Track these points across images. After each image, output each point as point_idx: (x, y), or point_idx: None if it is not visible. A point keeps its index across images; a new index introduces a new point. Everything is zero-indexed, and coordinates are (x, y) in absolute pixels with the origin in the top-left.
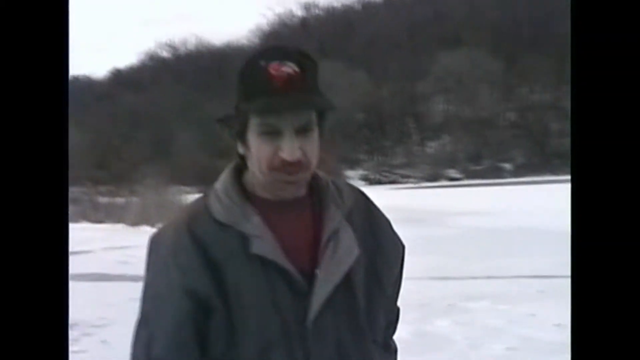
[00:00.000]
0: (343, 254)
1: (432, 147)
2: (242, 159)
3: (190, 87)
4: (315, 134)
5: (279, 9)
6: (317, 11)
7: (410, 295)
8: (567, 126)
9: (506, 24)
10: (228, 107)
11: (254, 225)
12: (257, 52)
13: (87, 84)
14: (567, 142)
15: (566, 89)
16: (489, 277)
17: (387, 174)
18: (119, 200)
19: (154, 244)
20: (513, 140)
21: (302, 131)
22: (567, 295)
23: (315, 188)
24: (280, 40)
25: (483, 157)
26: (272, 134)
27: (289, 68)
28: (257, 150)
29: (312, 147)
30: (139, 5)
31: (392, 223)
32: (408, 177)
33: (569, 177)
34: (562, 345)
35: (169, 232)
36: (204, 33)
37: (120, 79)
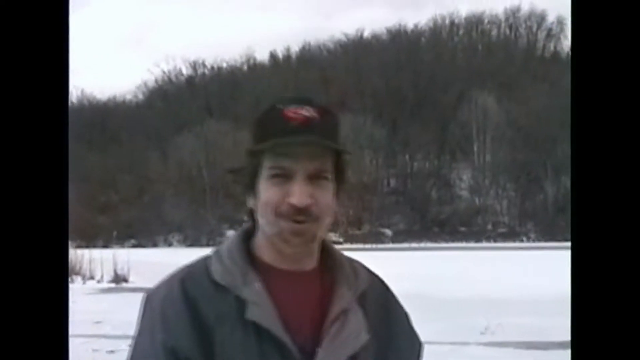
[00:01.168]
0: (349, 336)
1: None
2: (252, 219)
3: (73, 140)
4: (329, 184)
5: (166, 66)
6: (204, 70)
7: None
8: (447, 194)
9: (390, 91)
10: (109, 162)
11: (253, 291)
12: (277, 99)
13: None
14: (446, 210)
15: (447, 158)
16: None
17: None
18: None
19: (147, 300)
20: (394, 206)
21: (315, 177)
22: None
23: (329, 263)
24: (166, 97)
25: (364, 222)
26: (283, 177)
27: (307, 111)
28: (266, 196)
29: (324, 196)
30: None
31: None
32: None
33: (447, 244)
34: None
35: (162, 288)
36: (87, 87)
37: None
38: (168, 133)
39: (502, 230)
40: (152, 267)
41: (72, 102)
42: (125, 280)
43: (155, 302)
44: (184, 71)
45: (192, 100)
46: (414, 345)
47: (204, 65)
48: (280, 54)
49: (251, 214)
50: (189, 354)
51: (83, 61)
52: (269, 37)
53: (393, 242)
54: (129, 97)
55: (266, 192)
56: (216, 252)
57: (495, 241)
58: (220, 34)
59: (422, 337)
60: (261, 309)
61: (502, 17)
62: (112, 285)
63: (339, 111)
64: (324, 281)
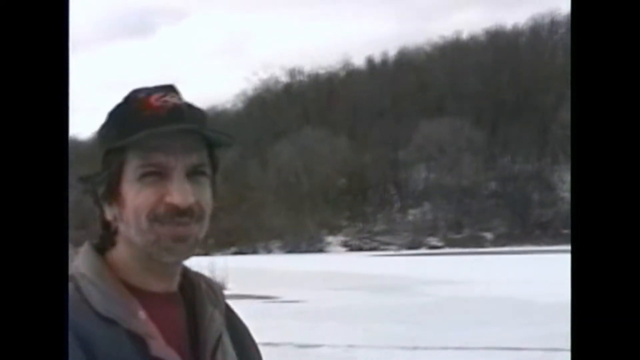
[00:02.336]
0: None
1: (413, 214)
2: (106, 232)
3: None
4: (207, 180)
5: (264, 75)
6: (301, 77)
7: None
8: (548, 197)
9: (489, 94)
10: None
11: (141, 322)
12: (134, 89)
13: (73, 144)
14: (548, 212)
15: (548, 160)
16: (459, 348)
17: (367, 241)
18: None
19: None
20: (494, 209)
21: (194, 173)
22: None
23: (187, 281)
24: (264, 105)
25: (464, 225)
26: (156, 175)
27: (174, 98)
28: (136, 199)
29: (205, 194)
30: (121, 67)
31: (370, 291)
32: (388, 244)
33: (549, 247)
34: None
35: None
36: (188, 96)
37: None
38: (266, 141)
39: None
40: (251, 273)
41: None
42: (224, 288)
43: None
44: (282, 79)
45: (290, 107)
46: (260, 357)
47: (301, 72)
48: (377, 58)
49: (103, 224)
50: None
51: (184, 72)
52: (365, 42)
53: (494, 245)
54: (228, 106)
55: (136, 195)
56: (83, 277)
57: None
58: (317, 40)
59: (514, 343)
60: (158, 343)
61: None
62: None
63: (438, 115)
64: (190, 302)
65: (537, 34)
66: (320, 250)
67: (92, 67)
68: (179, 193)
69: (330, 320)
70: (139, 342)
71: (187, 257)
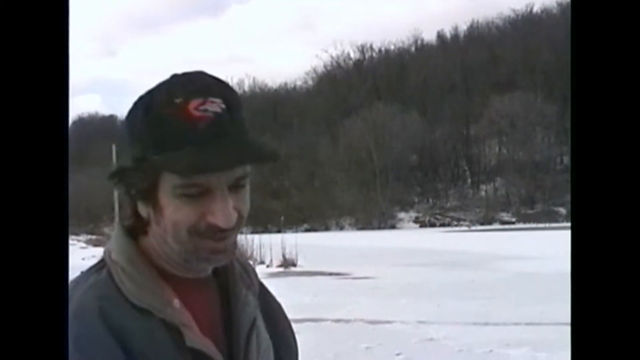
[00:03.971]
0: (265, 349)
1: (485, 190)
2: (138, 222)
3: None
4: (247, 189)
5: (334, 51)
6: (371, 53)
7: (449, 341)
8: None
9: (560, 67)
10: (281, 148)
11: (176, 311)
12: (167, 86)
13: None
14: None
15: None
16: (530, 324)
17: (439, 217)
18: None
19: None
20: (567, 184)
21: (236, 187)
22: None
23: (219, 267)
24: (334, 82)
25: (537, 200)
26: (197, 194)
27: (215, 105)
28: (175, 215)
29: (245, 203)
30: (194, 47)
31: (442, 267)
32: (461, 220)
33: None
34: None
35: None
36: (258, 74)
37: None
38: (337, 117)
39: None
40: (322, 250)
41: (244, 91)
42: (294, 265)
43: (71, 340)
44: (352, 55)
45: (360, 84)
46: (295, 338)
47: (371, 48)
48: (447, 33)
49: (134, 212)
50: None
51: (254, 50)
52: (436, 17)
53: (567, 220)
54: (299, 83)
55: (175, 210)
56: (117, 265)
57: None
58: (387, 16)
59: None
60: (193, 332)
61: None
62: (281, 269)
63: (509, 89)
64: (223, 285)
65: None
66: (392, 227)
67: (165, 47)
68: (223, 214)
69: (401, 297)
70: (174, 332)
71: (224, 263)
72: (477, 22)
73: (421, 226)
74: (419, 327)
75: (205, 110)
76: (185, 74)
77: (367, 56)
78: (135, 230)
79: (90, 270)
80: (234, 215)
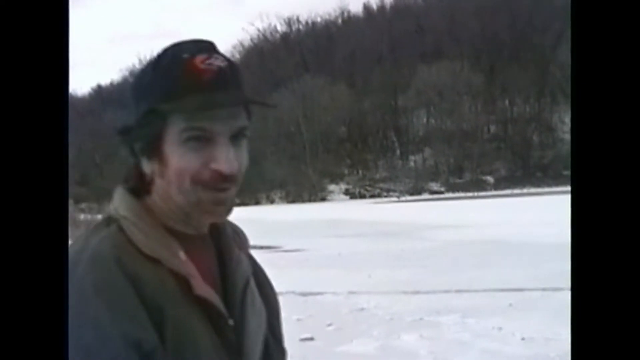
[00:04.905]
0: (259, 308)
1: (414, 160)
2: (141, 182)
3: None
4: (246, 142)
5: (261, 24)
6: (298, 26)
7: (379, 310)
8: (549, 138)
9: (486, 37)
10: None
11: (182, 262)
12: (175, 45)
13: (72, 100)
14: (549, 154)
15: (547, 101)
16: (459, 291)
17: (369, 188)
18: (100, 217)
19: (71, 289)
20: (495, 152)
21: (237, 138)
22: (535, 309)
23: (212, 228)
24: (262, 55)
25: (465, 170)
26: (201, 140)
27: (219, 60)
28: (180, 162)
29: (244, 157)
30: (119, 21)
31: (372, 237)
32: (390, 190)
33: (550, 189)
34: (527, 359)
35: (84, 265)
36: None
37: (102, 95)
38: (265, 90)
39: None
40: (253, 224)
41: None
42: None
43: (88, 289)
44: (279, 28)
45: (288, 56)
46: (278, 301)
47: (298, 21)
48: (374, 5)
49: (139, 174)
50: (153, 344)
51: (178, 24)
52: None
53: (495, 189)
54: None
55: (180, 158)
56: (126, 219)
57: None
58: None
59: (515, 284)
60: (199, 282)
61: None
62: None
63: (436, 60)
64: (217, 245)
65: None
66: (323, 199)
67: (89, 20)
68: (225, 160)
69: (332, 268)
70: (181, 281)
71: (223, 219)
72: None
73: (351, 198)
74: (349, 297)
75: (210, 64)
76: (193, 39)
77: (294, 29)
78: (138, 190)
79: (99, 226)
80: (236, 164)
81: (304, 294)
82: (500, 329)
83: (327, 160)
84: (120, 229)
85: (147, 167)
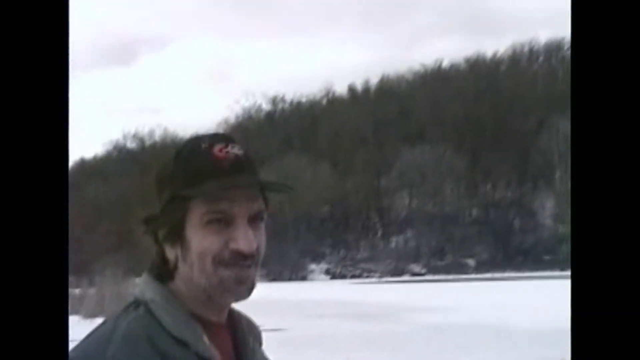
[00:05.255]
0: None
1: (395, 241)
2: (165, 268)
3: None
4: (263, 225)
5: (246, 102)
6: (283, 105)
7: None
8: (530, 223)
9: (469, 121)
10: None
11: (206, 345)
12: (195, 137)
13: None
14: (530, 239)
15: (529, 186)
16: None
17: (350, 268)
18: (77, 291)
19: None
20: (476, 236)
21: (255, 220)
22: None
23: (229, 318)
24: (246, 133)
25: (446, 252)
26: (221, 222)
27: (235, 149)
28: (202, 244)
29: (263, 239)
30: (104, 95)
31: (352, 318)
32: (371, 271)
33: (531, 273)
34: None
35: (117, 344)
36: (170, 124)
37: (85, 168)
38: None
39: None
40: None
41: (155, 141)
42: None
43: None
44: (264, 107)
45: (272, 135)
46: None
47: (283, 100)
48: (359, 86)
49: (162, 261)
50: None
51: (165, 101)
52: (347, 70)
53: (476, 272)
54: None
55: (202, 240)
56: (154, 304)
57: None
58: (299, 68)
59: None
60: None
61: None
62: None
63: (419, 142)
64: (235, 334)
65: (516, 62)
66: (304, 278)
67: (77, 94)
68: (244, 240)
69: (311, 349)
70: None
71: (246, 298)
72: (388, 76)
73: (332, 277)
74: None
75: (227, 152)
76: (211, 133)
77: (278, 108)
78: (162, 276)
79: (127, 309)
80: (255, 243)
81: None
82: None
83: (308, 239)
84: (149, 312)
85: (171, 253)
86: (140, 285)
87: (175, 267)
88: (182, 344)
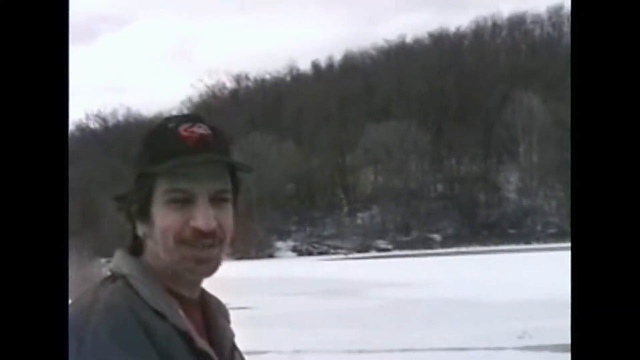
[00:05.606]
0: None
1: (361, 218)
2: (136, 244)
3: (120, 158)
4: (229, 206)
5: (209, 81)
6: (247, 83)
7: None
8: (495, 197)
9: (434, 97)
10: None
11: (182, 318)
12: (165, 118)
13: None
14: (495, 213)
15: (493, 161)
16: (404, 350)
17: (317, 245)
18: None
19: (86, 335)
20: (442, 211)
21: (217, 199)
22: None
23: (201, 291)
24: (210, 112)
25: (412, 228)
26: (182, 201)
27: (201, 129)
28: (164, 222)
29: (227, 219)
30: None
31: (318, 295)
32: (338, 248)
33: (496, 247)
34: None
35: (99, 315)
36: (133, 104)
37: None
38: None
39: (552, 231)
40: None
41: (118, 120)
42: None
43: (105, 337)
44: (228, 85)
45: (236, 113)
46: None
47: (247, 78)
48: (322, 63)
49: (134, 236)
50: None
51: (128, 80)
52: (311, 46)
53: (442, 247)
54: (174, 113)
55: (164, 217)
56: (132, 277)
57: (545, 242)
58: (262, 46)
59: (460, 343)
60: (198, 338)
61: (545, 16)
62: None
63: (384, 118)
64: (205, 310)
65: (479, 36)
66: (270, 256)
67: None
68: (203, 217)
69: (278, 326)
70: (184, 336)
71: (208, 276)
72: (352, 52)
73: (299, 255)
74: (294, 356)
75: (192, 132)
76: (182, 114)
77: (242, 86)
78: (134, 251)
79: (105, 282)
80: (214, 222)
81: (248, 353)
82: None
83: (274, 217)
84: (127, 284)
85: (140, 229)
86: (117, 260)
87: (144, 242)
88: (161, 316)
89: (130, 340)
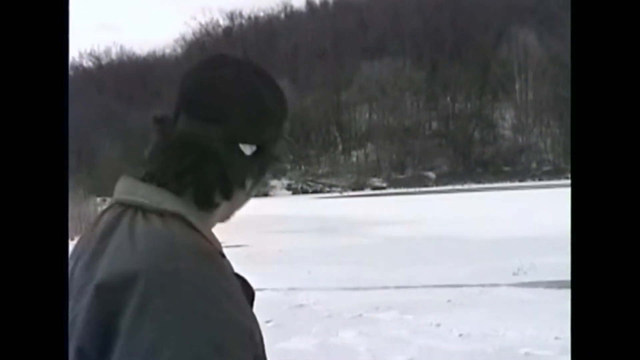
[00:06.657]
0: None
1: (356, 156)
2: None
3: (114, 97)
4: None
5: (203, 18)
6: (240, 20)
7: (319, 306)
8: (490, 135)
9: (429, 34)
10: (147, 117)
11: (227, 259)
12: (252, 71)
13: None
14: (489, 150)
15: (488, 98)
16: (398, 287)
17: (312, 183)
18: None
19: (191, 282)
20: (436, 149)
21: None
22: (473, 305)
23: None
24: (204, 50)
25: (407, 166)
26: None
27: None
28: (235, 207)
29: None
30: None
31: (313, 233)
32: (333, 186)
33: (491, 184)
34: (465, 355)
35: (213, 265)
36: (126, 42)
37: None
38: None
39: (546, 168)
40: None
41: (112, 59)
42: None
43: (222, 282)
44: (221, 22)
45: (230, 51)
46: None
47: (240, 15)
48: (317, 0)
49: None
50: (259, 335)
51: (121, 18)
52: None
53: (437, 184)
54: (167, 51)
55: (241, 204)
56: (190, 216)
57: (540, 179)
58: None
59: (454, 280)
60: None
61: None
62: None
63: (379, 56)
64: None
65: None
66: (265, 195)
67: None
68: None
69: (273, 264)
70: (241, 282)
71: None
72: None
73: (294, 193)
74: (289, 293)
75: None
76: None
77: (236, 23)
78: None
79: (166, 222)
80: None
81: None
82: (438, 325)
83: None
84: (189, 224)
85: (218, 197)
86: (166, 198)
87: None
88: (222, 254)
89: (230, 284)
